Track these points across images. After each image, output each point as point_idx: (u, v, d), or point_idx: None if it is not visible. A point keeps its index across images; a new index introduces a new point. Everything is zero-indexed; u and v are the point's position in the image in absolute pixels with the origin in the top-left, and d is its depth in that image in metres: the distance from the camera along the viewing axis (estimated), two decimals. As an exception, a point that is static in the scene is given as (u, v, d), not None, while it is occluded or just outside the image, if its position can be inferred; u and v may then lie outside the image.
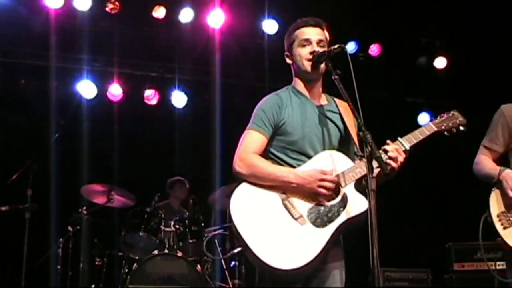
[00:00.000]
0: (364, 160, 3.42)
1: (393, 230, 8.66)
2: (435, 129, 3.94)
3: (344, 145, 3.91)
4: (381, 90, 9.83)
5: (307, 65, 3.86)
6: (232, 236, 6.75)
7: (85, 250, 7.60)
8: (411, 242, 9.17)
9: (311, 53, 3.84)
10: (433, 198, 9.46)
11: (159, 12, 8.52)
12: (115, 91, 9.02)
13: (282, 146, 3.82)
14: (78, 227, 7.57)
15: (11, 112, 8.52)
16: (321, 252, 3.50)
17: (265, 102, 3.91)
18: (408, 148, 3.77)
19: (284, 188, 3.65)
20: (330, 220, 3.58)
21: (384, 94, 9.87)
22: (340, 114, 3.95)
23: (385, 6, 8.48)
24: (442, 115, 4.04)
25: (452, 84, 9.52)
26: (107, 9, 8.26)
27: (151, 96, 9.30)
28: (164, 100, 9.34)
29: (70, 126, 8.05)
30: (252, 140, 3.79)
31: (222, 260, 7.53)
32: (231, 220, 3.58)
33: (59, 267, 7.50)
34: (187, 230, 7.59)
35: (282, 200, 3.63)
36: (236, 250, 6.58)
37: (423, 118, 9.92)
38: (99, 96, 8.91)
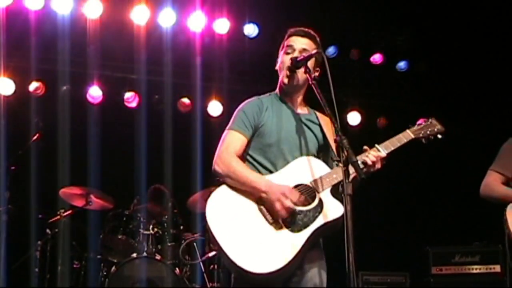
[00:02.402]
0: (341, 165, 3.45)
1: (372, 233, 8.70)
2: (412, 136, 3.97)
3: (322, 155, 3.96)
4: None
5: (285, 78, 3.92)
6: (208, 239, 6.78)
7: (63, 252, 7.55)
8: (390, 246, 9.20)
9: (290, 59, 3.87)
10: (411, 201, 9.50)
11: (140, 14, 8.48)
12: (95, 93, 8.97)
13: (260, 148, 3.86)
14: (56, 230, 7.52)
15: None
16: (296, 256, 3.52)
17: (246, 104, 3.97)
18: (385, 155, 3.79)
19: (254, 194, 3.66)
20: (306, 225, 3.60)
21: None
22: (320, 125, 3.99)
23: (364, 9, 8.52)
24: (419, 122, 4.06)
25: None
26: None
27: (131, 98, 9.26)
28: (144, 102, 9.30)
29: (49, 128, 7.98)
30: (232, 140, 3.83)
31: (201, 263, 7.52)
32: (206, 223, 3.59)
33: (37, 269, 7.43)
34: (166, 233, 7.57)
35: (258, 205, 3.65)
36: (211, 254, 6.61)
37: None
38: (77, 98, 8.86)
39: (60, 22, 8.20)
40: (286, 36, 4.05)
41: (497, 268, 7.70)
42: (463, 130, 9.06)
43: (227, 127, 3.91)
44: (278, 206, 3.59)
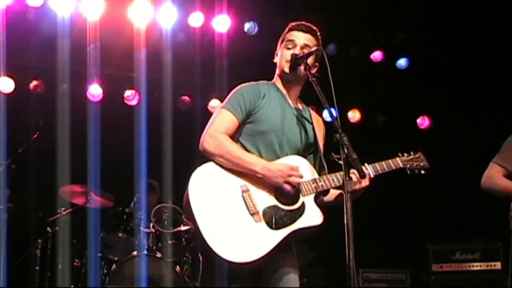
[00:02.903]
0: (330, 175, 3.64)
1: (372, 231, 8.71)
2: (401, 165, 4.07)
3: (307, 153, 3.95)
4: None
5: (285, 66, 3.89)
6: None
7: (63, 251, 7.56)
8: (390, 243, 9.21)
9: (291, 55, 3.86)
10: (411, 199, 9.50)
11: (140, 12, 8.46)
12: (95, 91, 8.97)
13: (250, 134, 3.81)
14: (56, 228, 7.53)
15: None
16: (268, 253, 3.51)
17: (244, 87, 3.92)
18: (372, 176, 3.83)
19: (248, 176, 3.64)
20: (285, 225, 3.60)
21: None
22: (312, 124, 3.99)
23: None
24: (409, 154, 4.14)
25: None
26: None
27: (131, 96, 9.26)
28: (144, 100, 9.30)
29: (49, 127, 7.98)
30: (224, 120, 3.77)
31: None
32: (187, 197, 3.55)
33: (37, 268, 7.44)
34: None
35: (242, 191, 3.62)
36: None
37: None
38: (77, 96, 8.85)
39: (60, 20, 8.20)
40: (286, 30, 4.03)
41: (498, 265, 7.71)
42: (464, 126, 9.08)
43: (221, 106, 3.86)
44: (287, 184, 3.61)
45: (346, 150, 3.38)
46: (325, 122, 4.12)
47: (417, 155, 4.14)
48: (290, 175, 3.62)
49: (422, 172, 4.15)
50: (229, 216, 3.54)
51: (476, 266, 7.83)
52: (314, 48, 3.85)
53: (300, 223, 3.62)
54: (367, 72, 9.55)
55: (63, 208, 7.59)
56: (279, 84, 4.02)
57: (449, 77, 9.28)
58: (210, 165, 3.68)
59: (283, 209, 3.64)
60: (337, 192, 3.85)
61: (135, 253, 7.27)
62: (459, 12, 8.25)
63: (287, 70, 3.90)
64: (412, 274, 8.30)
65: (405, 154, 4.11)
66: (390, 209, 9.43)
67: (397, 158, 4.06)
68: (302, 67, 3.86)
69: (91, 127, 8.63)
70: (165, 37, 8.52)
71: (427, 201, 9.45)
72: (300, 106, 4.06)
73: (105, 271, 7.43)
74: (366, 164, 3.85)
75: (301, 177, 3.67)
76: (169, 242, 7.53)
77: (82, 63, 8.64)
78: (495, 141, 5.26)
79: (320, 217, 3.65)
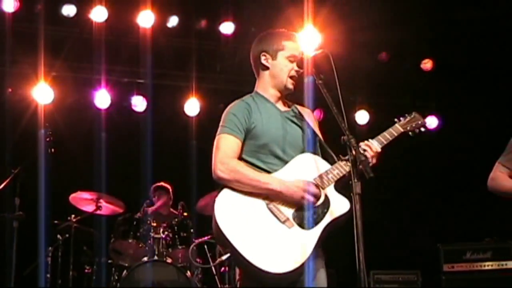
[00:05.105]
0: (341, 162, 3.64)
1: (382, 232, 8.69)
2: (402, 130, 4.08)
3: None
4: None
5: (290, 83, 3.94)
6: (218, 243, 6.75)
7: (74, 258, 7.57)
8: (401, 244, 9.19)
9: (297, 71, 3.91)
10: (422, 199, 9.48)
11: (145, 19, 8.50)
12: (103, 98, 8.99)
13: (253, 150, 3.81)
14: (67, 235, 7.55)
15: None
16: (311, 253, 3.53)
17: (233, 107, 3.91)
18: (379, 150, 3.83)
19: (267, 195, 3.65)
20: (316, 222, 3.61)
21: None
22: (304, 119, 3.99)
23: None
24: (404, 116, 4.16)
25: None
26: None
27: (138, 102, 9.29)
28: (152, 106, 9.33)
29: (58, 134, 8.00)
30: (228, 145, 3.77)
31: (212, 267, 7.52)
32: (217, 226, 3.55)
33: (48, 275, 7.47)
34: (176, 236, 7.59)
35: (267, 204, 3.64)
36: (224, 257, 6.59)
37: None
38: (85, 103, 8.90)
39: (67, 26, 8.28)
40: (284, 37, 4.01)
41: (510, 264, 7.67)
42: (474, 126, 9.05)
43: (219, 132, 3.83)
44: (304, 199, 3.61)
45: (353, 152, 3.38)
46: (313, 111, 4.12)
47: (412, 116, 4.16)
48: (306, 191, 3.63)
49: (422, 129, 4.16)
50: (262, 231, 3.55)
51: (488, 266, 7.80)
52: (320, 51, 3.83)
53: (331, 215, 3.64)
54: (374, 73, 9.54)
55: (73, 216, 7.62)
56: (265, 91, 4.00)
57: (459, 76, 9.26)
58: (226, 191, 3.69)
59: (318, 205, 3.66)
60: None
61: (145, 259, 7.28)
62: (467, 9, 8.24)
63: (291, 87, 3.94)
64: (423, 274, 8.28)
65: (401, 119, 4.14)
66: (401, 209, 9.41)
67: (396, 124, 4.09)
68: (301, 71, 3.90)
69: (99, 134, 8.68)
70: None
71: (438, 201, 9.42)
72: (287, 107, 4.05)
73: (116, 277, 7.45)
74: (370, 140, 3.87)
75: (316, 194, 3.67)
76: (179, 247, 7.55)
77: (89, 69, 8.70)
78: (506, 141, 5.24)
79: (347, 203, 3.66)
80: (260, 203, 3.65)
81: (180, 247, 7.54)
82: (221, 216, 3.57)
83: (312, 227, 3.60)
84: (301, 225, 3.60)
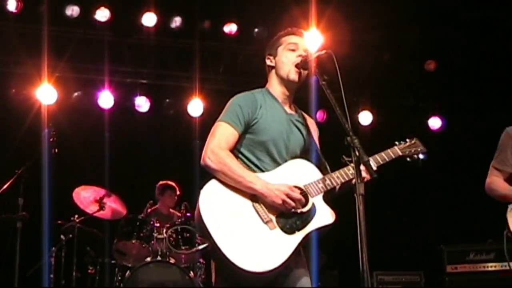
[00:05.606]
0: (334, 172, 3.66)
1: (385, 233, 8.68)
2: (400, 153, 4.05)
3: (306, 156, 3.93)
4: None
5: (294, 74, 3.89)
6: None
7: (77, 258, 7.58)
8: (404, 245, 9.18)
9: (298, 56, 3.87)
10: (425, 200, 9.47)
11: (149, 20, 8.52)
12: (106, 99, 9.01)
13: (250, 145, 3.79)
14: (70, 236, 7.55)
15: (1, 120, 8.50)
16: (288, 259, 3.51)
17: (240, 98, 3.88)
18: (375, 168, 3.79)
19: (249, 193, 3.63)
20: (299, 228, 3.61)
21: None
22: (308, 127, 3.99)
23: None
24: (405, 141, 4.13)
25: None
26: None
27: (142, 103, 9.30)
28: (155, 107, 9.36)
29: (61, 134, 8.01)
30: (224, 134, 3.74)
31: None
32: (200, 217, 3.54)
33: (52, 276, 7.47)
34: (179, 237, 7.57)
35: (252, 202, 3.62)
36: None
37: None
38: (89, 104, 8.91)
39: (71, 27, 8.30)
40: (283, 34, 4.01)
41: (513, 265, 7.66)
42: (477, 127, 9.04)
43: (219, 119, 3.81)
44: (284, 205, 3.58)
45: (357, 153, 3.37)
46: (317, 123, 4.13)
47: (413, 141, 4.13)
48: (287, 195, 3.60)
49: (421, 156, 4.12)
50: (244, 228, 3.54)
51: (491, 267, 7.79)
52: (323, 51, 3.82)
53: (314, 225, 3.63)
54: (378, 74, 9.55)
55: (77, 216, 7.62)
56: (274, 90, 3.99)
57: (462, 78, 9.26)
58: (213, 183, 3.68)
59: (295, 213, 3.63)
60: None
61: (148, 259, 7.28)
62: (468, 10, 8.24)
63: (295, 77, 3.89)
64: (427, 275, 8.27)
65: (401, 142, 4.10)
66: (404, 210, 9.41)
67: (395, 147, 4.06)
68: (306, 72, 3.87)
69: (103, 135, 8.69)
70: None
71: (441, 202, 9.42)
72: (293, 110, 4.04)
73: (119, 278, 7.45)
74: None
75: (298, 200, 3.63)
76: (183, 248, 7.54)
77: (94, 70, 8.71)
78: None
79: (332, 215, 3.66)
80: (246, 200, 3.63)
81: (183, 247, 7.53)
82: (205, 207, 3.56)
83: (294, 233, 3.59)
84: (283, 229, 3.58)
